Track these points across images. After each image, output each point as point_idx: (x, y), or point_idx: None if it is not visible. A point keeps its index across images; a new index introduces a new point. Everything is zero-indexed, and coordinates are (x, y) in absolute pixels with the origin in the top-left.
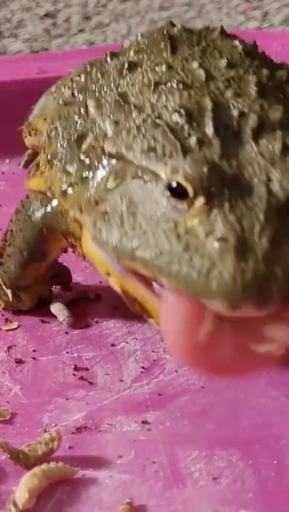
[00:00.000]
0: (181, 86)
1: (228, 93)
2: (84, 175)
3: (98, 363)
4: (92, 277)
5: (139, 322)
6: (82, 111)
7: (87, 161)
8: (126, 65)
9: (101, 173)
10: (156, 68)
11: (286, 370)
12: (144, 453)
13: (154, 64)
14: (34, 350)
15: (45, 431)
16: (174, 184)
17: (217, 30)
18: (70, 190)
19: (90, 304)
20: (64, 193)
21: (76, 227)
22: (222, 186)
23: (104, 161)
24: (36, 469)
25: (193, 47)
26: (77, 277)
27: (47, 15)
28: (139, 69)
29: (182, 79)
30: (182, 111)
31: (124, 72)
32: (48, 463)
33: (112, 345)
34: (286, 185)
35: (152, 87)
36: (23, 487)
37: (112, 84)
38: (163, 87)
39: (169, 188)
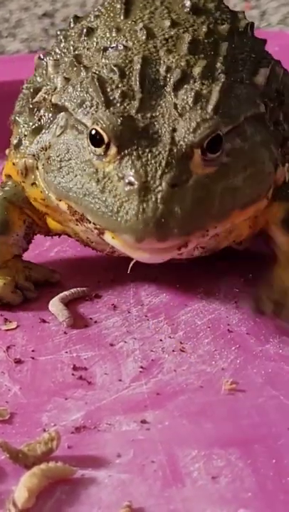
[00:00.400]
0: (121, 47)
1: (162, 51)
2: (35, 125)
3: (97, 362)
4: (91, 277)
5: (138, 322)
6: (43, 71)
7: (38, 113)
8: (84, 31)
9: (50, 123)
10: (108, 34)
11: (284, 370)
12: (143, 452)
13: (108, 28)
14: (33, 350)
15: (44, 430)
16: (93, 132)
17: None
18: (21, 142)
19: (89, 304)
20: (17, 146)
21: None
22: (133, 137)
23: (53, 113)
24: (35, 469)
25: (145, 9)
26: (75, 277)
27: (45, 14)
28: (94, 34)
29: (126, 41)
30: (115, 68)
31: (83, 37)
32: (48, 462)
33: (111, 344)
34: (187, 136)
35: (102, 52)
36: (22, 487)
37: (72, 47)
38: (109, 49)
39: (90, 135)
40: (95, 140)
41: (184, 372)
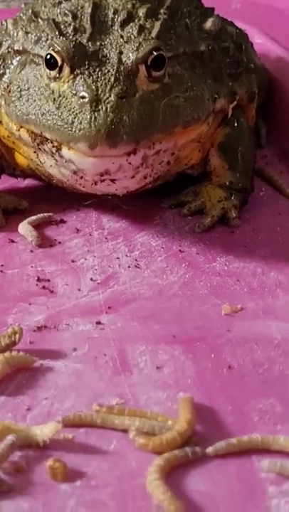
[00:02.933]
0: None
1: None
2: (0, 72)
3: (59, 275)
4: (57, 205)
5: (99, 243)
6: (2, 31)
7: (2, 63)
8: None
9: (12, 66)
10: None
11: (228, 283)
12: (97, 347)
13: None
14: (1, 265)
15: None
16: (48, 56)
17: None
18: None
19: (54, 227)
20: None
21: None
22: (84, 59)
23: (14, 58)
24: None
25: None
26: (43, 206)
27: None
28: None
29: None
30: (68, 12)
31: None
32: (10, 353)
33: (73, 261)
34: (132, 54)
35: (57, 5)
36: None
37: (30, 8)
38: (63, 2)
39: (45, 60)
40: (50, 64)
41: (137, 284)
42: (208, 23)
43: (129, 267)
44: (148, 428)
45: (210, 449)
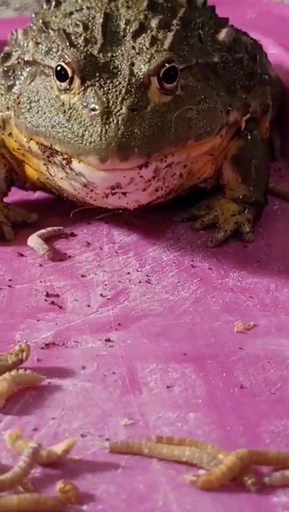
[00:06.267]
0: (85, 9)
1: (123, 9)
2: (10, 83)
3: (68, 290)
4: (68, 219)
5: (109, 257)
6: (13, 41)
7: (12, 74)
8: (53, 3)
9: (22, 78)
10: (74, 2)
11: (241, 300)
12: (106, 365)
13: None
14: (10, 280)
15: None
16: (58, 67)
17: None
18: None
19: (64, 241)
20: None
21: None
22: (95, 70)
23: (24, 69)
24: (6, 375)
25: None
26: (53, 219)
27: None
28: (62, 4)
29: (89, 4)
30: (79, 23)
31: (52, 8)
32: (17, 371)
33: (83, 276)
34: (144, 66)
35: (68, 16)
36: None
37: (40, 18)
38: (75, 13)
39: (56, 71)
40: (61, 75)
41: (148, 300)
42: (222, 34)
43: (140, 282)
44: (197, 460)
45: (265, 479)
